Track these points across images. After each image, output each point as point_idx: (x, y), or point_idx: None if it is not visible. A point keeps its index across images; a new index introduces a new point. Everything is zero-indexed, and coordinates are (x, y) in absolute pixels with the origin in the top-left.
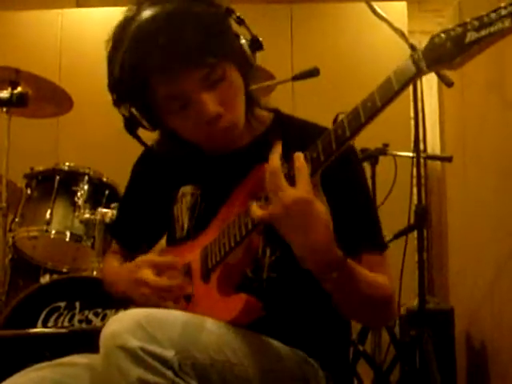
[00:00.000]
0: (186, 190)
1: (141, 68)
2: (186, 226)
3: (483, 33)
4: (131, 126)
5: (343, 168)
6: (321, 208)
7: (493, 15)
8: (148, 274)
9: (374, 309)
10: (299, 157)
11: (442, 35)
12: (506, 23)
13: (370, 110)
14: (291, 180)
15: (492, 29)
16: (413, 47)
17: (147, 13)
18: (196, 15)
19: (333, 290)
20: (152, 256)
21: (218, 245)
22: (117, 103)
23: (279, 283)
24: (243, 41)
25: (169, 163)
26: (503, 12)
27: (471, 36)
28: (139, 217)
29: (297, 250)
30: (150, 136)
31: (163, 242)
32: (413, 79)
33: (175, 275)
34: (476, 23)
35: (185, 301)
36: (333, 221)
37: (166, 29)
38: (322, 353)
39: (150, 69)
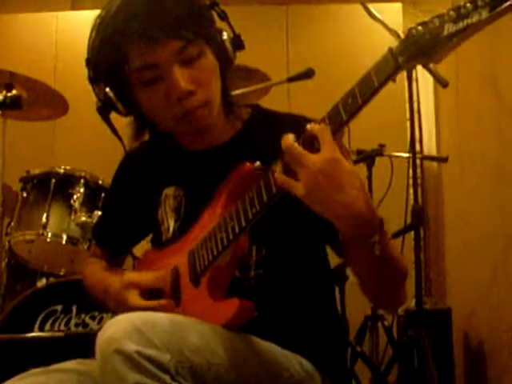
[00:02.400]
0: (169, 191)
1: (119, 34)
2: (171, 227)
3: (461, 25)
4: (104, 108)
5: None
6: (350, 165)
7: (469, 6)
8: (135, 298)
9: (400, 280)
10: (314, 126)
11: (420, 28)
12: (484, 14)
13: (352, 106)
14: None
15: (470, 20)
16: None
17: None
18: None
19: (371, 258)
20: (138, 277)
21: (205, 249)
22: (92, 79)
23: (267, 279)
24: (225, 36)
25: (150, 165)
26: (480, 2)
27: (449, 28)
28: (123, 221)
29: (340, 213)
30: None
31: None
32: (393, 75)
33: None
34: (453, 14)
35: (175, 305)
36: None
37: None
38: (318, 353)
39: (128, 34)
